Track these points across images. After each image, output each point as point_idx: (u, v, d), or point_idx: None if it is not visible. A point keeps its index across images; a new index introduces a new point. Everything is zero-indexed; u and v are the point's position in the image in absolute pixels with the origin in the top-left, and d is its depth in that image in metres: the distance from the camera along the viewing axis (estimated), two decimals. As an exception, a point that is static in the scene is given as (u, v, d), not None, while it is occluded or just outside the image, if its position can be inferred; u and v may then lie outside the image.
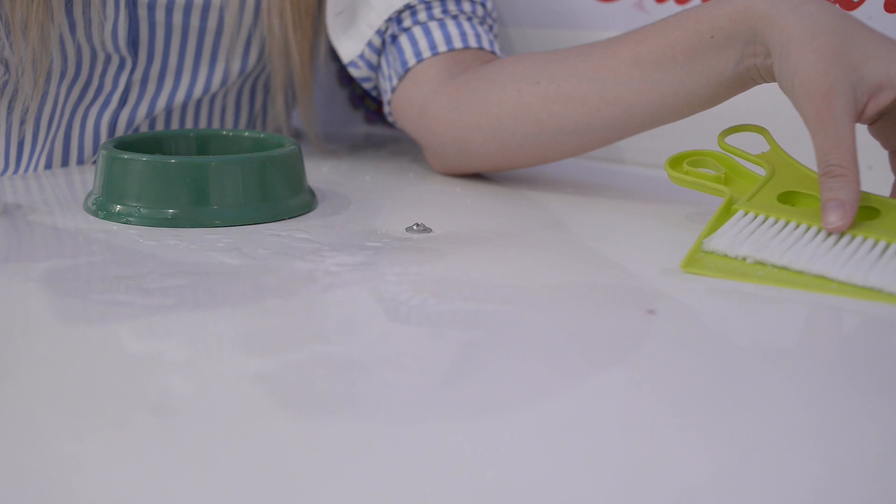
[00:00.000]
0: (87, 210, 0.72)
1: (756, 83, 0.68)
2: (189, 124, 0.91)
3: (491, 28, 0.88)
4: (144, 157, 0.70)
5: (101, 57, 0.84)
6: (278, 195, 0.72)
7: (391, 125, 0.96)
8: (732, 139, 0.70)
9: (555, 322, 0.55)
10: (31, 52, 0.80)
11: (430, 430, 0.43)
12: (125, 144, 0.75)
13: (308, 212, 0.74)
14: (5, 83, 0.83)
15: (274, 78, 0.91)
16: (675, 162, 0.72)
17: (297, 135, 1.01)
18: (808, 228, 0.61)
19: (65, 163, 0.87)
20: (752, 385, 0.47)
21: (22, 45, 0.79)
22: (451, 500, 0.38)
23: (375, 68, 0.88)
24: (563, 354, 0.51)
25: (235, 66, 0.90)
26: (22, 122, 0.84)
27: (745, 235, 0.61)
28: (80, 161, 0.88)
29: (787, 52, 0.62)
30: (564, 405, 0.45)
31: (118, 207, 0.70)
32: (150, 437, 0.42)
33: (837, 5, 0.65)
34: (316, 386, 0.47)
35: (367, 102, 1.10)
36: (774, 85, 0.66)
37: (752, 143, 0.69)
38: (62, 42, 0.82)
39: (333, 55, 0.96)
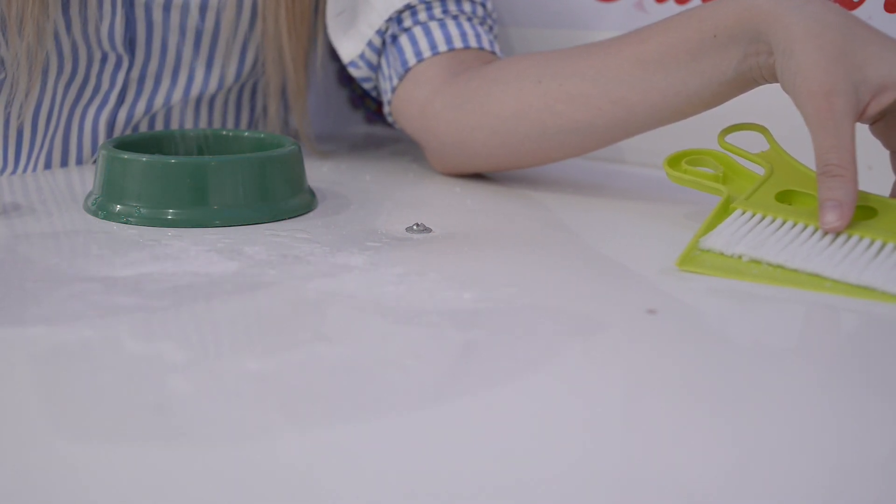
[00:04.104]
0: (87, 210, 0.72)
1: (758, 83, 0.68)
2: (189, 125, 0.91)
3: (491, 28, 0.88)
4: (144, 157, 0.70)
5: (97, 55, 0.84)
6: (278, 195, 0.72)
7: (391, 125, 0.96)
8: (732, 138, 0.70)
9: (555, 322, 0.55)
10: (27, 49, 0.80)
11: (430, 430, 0.43)
12: (125, 144, 0.75)
13: (308, 212, 0.74)
14: (1, 81, 0.83)
15: (268, 84, 0.91)
16: (674, 161, 0.72)
17: (297, 136, 1.01)
18: (805, 227, 0.61)
19: (64, 162, 0.87)
20: (752, 384, 0.47)
21: (17, 41, 0.79)
22: (452, 500, 0.38)
23: (376, 68, 0.88)
24: (564, 354, 0.51)
25: (232, 69, 0.90)
26: (18, 117, 0.84)
27: (741, 234, 0.62)
28: (80, 161, 0.88)
29: (790, 50, 0.62)
30: (564, 405, 0.45)
31: (118, 207, 0.70)
32: (150, 437, 0.42)
33: (839, 5, 0.65)
34: (316, 386, 0.47)
35: (366, 102, 1.10)
36: (775, 84, 0.66)
37: (752, 142, 0.69)
38: (58, 39, 0.82)
39: (333, 55, 0.96)
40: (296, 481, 0.39)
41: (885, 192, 0.66)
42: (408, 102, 0.85)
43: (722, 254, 0.61)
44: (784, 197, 0.65)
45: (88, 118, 0.87)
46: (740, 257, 0.60)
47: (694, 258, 0.61)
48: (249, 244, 0.65)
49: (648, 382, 0.48)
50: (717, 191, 0.68)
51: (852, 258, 0.58)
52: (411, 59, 0.84)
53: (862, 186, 0.61)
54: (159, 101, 0.88)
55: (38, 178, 0.84)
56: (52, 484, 0.38)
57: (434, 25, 0.84)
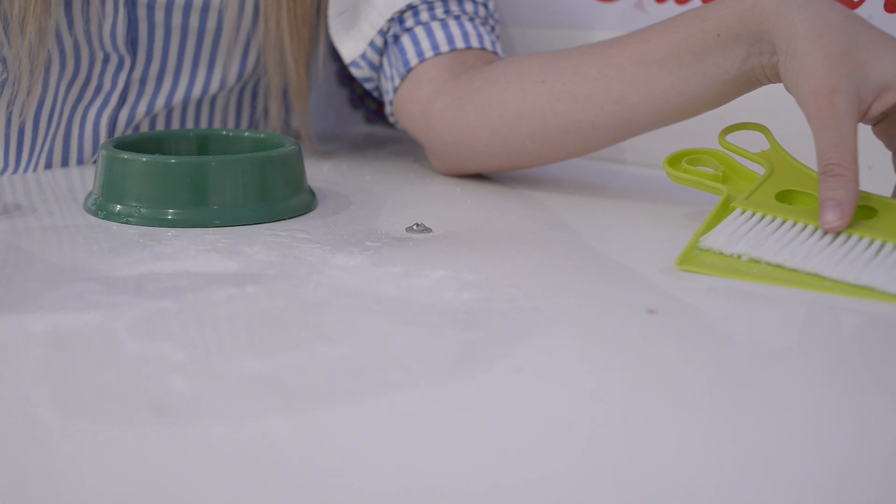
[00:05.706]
0: (87, 210, 0.72)
1: (761, 83, 0.68)
2: (190, 125, 0.91)
3: (493, 29, 0.87)
4: (144, 158, 0.70)
5: (99, 55, 0.85)
6: (278, 195, 0.72)
7: (391, 125, 0.96)
8: (733, 137, 0.70)
9: (555, 322, 0.55)
10: (28, 48, 0.80)
11: (430, 430, 0.43)
12: (125, 144, 0.75)
13: (308, 212, 0.74)
14: (3, 80, 0.83)
15: (270, 85, 0.91)
16: (674, 160, 0.72)
17: (298, 136, 1.01)
18: (805, 227, 0.61)
19: (65, 162, 0.87)
20: (752, 384, 0.47)
21: (19, 40, 0.79)
22: (451, 499, 0.38)
23: (377, 68, 0.88)
24: (564, 354, 0.51)
25: (233, 70, 0.90)
26: (20, 117, 0.84)
27: (741, 233, 0.62)
28: (80, 161, 0.88)
29: (793, 49, 0.62)
30: (564, 405, 0.45)
31: (118, 207, 0.70)
32: (150, 437, 0.42)
33: (843, 5, 0.65)
34: (316, 386, 0.47)
35: (367, 102, 1.10)
36: (776, 84, 0.66)
37: (752, 142, 0.69)
38: (60, 39, 0.82)
39: (333, 55, 0.96)
40: (296, 480, 0.39)
41: (885, 192, 0.66)
42: (409, 102, 0.85)
43: (721, 253, 0.61)
44: (784, 196, 0.65)
45: (89, 118, 0.87)
46: (740, 257, 0.60)
47: (693, 257, 0.61)
48: (249, 244, 0.65)
49: (648, 382, 0.48)
50: (717, 190, 0.68)
51: (852, 258, 0.58)
52: (413, 59, 0.84)
53: (862, 186, 0.61)
54: (160, 102, 0.88)
55: (39, 178, 0.84)
56: (53, 483, 0.38)
57: (436, 25, 0.84)
